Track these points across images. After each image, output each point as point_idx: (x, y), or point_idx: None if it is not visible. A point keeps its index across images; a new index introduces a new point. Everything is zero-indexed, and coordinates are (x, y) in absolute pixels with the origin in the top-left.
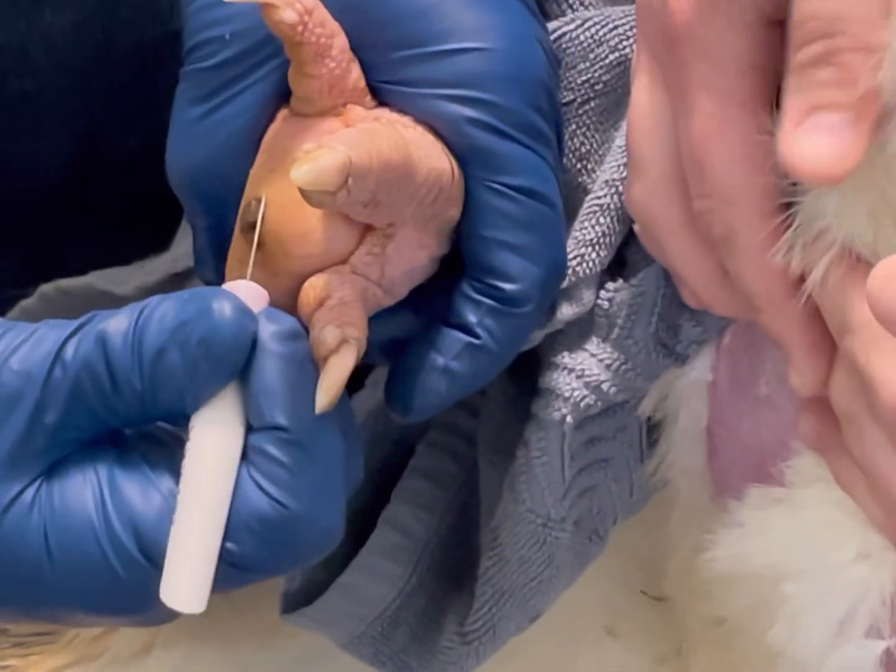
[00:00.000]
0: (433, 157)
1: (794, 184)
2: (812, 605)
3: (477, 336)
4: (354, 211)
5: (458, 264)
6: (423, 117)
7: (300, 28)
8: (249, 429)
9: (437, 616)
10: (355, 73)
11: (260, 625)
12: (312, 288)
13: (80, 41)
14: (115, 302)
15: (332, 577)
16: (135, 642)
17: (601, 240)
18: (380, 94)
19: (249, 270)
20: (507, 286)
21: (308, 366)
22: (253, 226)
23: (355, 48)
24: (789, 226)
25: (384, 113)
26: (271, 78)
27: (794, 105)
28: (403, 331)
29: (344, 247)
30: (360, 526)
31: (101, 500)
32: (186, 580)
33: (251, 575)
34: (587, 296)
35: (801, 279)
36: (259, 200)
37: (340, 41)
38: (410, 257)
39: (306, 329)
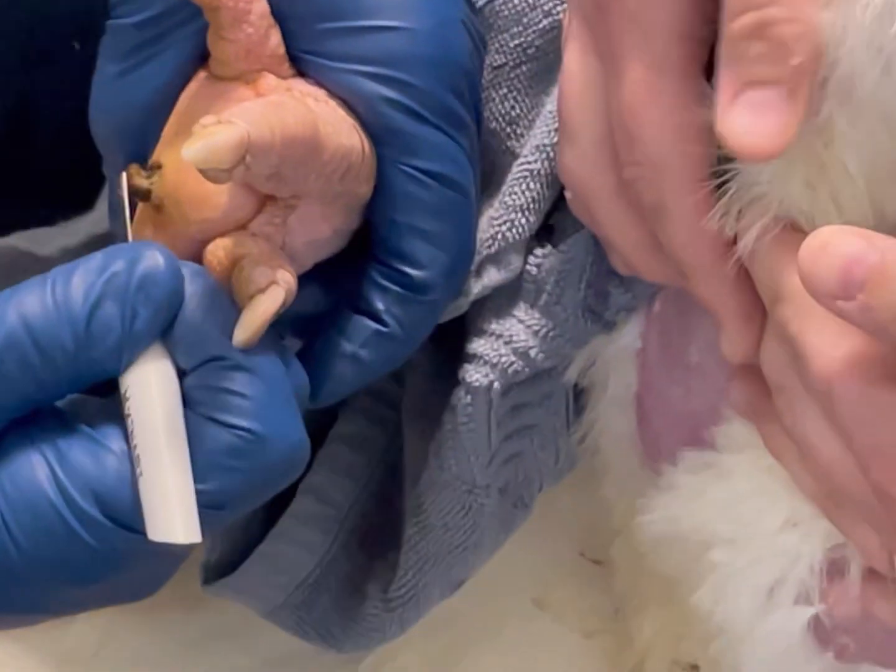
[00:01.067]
0: (342, 134)
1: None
2: (741, 572)
3: (385, 324)
4: (257, 182)
5: (368, 247)
6: (339, 92)
7: None
8: (183, 375)
9: (360, 583)
10: (274, 40)
11: (185, 593)
12: (220, 248)
13: (12, 3)
14: (37, 263)
15: (252, 546)
16: None
17: (531, 205)
18: (299, 63)
19: (130, 235)
20: (415, 272)
21: (225, 300)
22: (137, 192)
23: (278, 15)
24: (723, 193)
25: (298, 84)
26: (193, 39)
27: (728, 79)
28: (311, 307)
29: (243, 213)
30: (282, 494)
31: (53, 474)
32: (177, 513)
33: (228, 511)
34: (515, 261)
35: (733, 246)
36: (140, 167)
37: (260, 6)
38: (313, 229)
39: None
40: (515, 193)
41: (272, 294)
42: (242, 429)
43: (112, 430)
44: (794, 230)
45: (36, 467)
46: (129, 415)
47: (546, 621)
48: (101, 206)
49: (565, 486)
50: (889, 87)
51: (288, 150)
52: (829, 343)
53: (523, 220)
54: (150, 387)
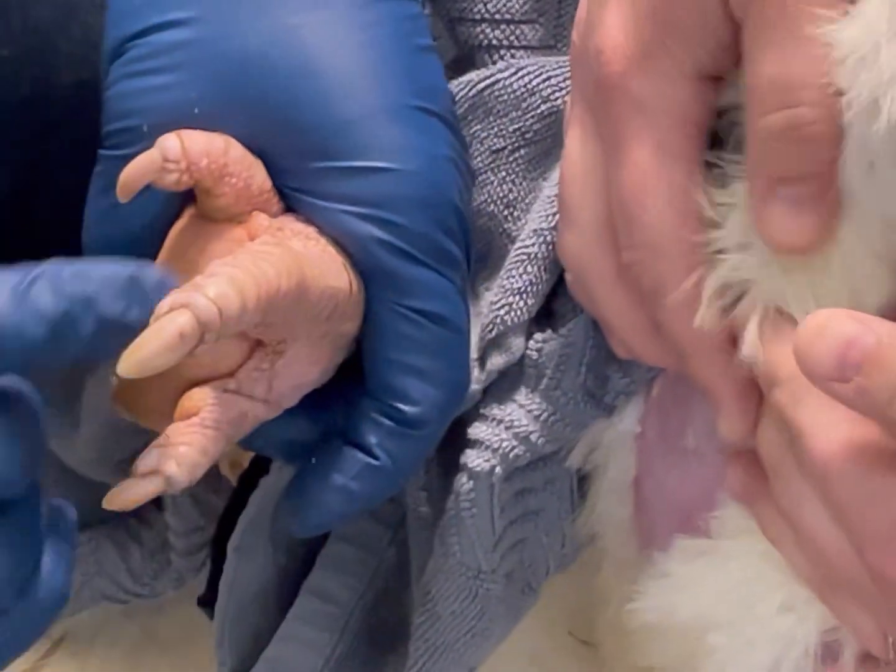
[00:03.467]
0: (330, 275)
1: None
2: (738, 656)
3: (376, 457)
4: (245, 329)
5: (358, 372)
6: (330, 231)
7: (185, 178)
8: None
9: None
10: (259, 177)
11: (185, 665)
12: (188, 398)
13: (19, 76)
14: None
15: (261, 651)
16: None
17: (528, 288)
18: (289, 200)
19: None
20: (408, 409)
21: None
22: None
23: (268, 149)
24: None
25: (289, 222)
26: None
27: (760, 175)
28: (301, 435)
29: (232, 361)
30: (289, 598)
31: None
32: None
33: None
34: (516, 344)
35: (730, 330)
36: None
37: (234, 152)
38: (300, 372)
39: None
40: (513, 277)
41: (146, 482)
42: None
43: None
44: (785, 316)
45: None
46: None
47: None
48: None
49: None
50: (872, 188)
51: (270, 303)
52: (825, 427)
53: (521, 304)
54: None
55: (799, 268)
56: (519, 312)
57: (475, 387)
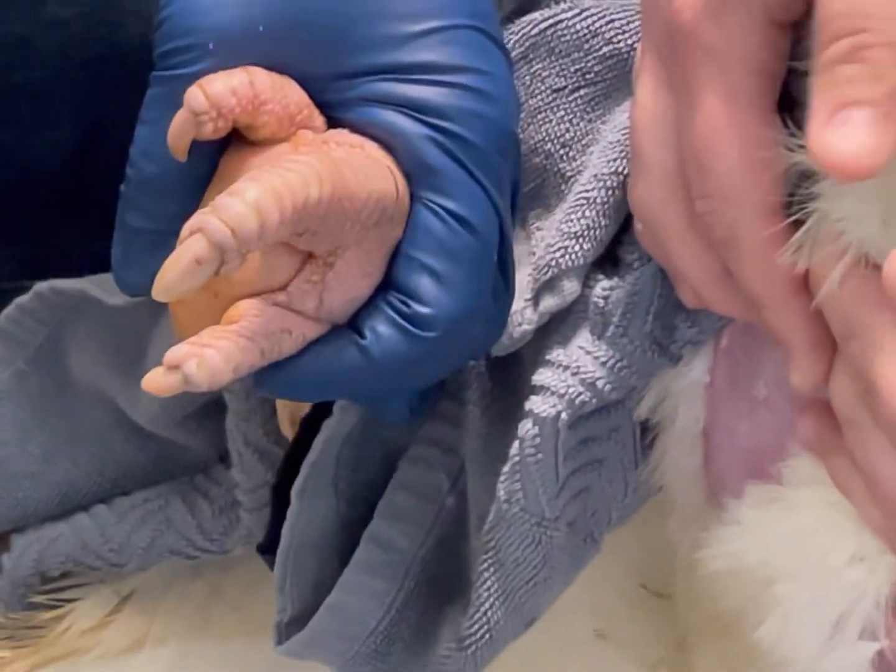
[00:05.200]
0: (376, 178)
1: (804, 185)
2: (805, 608)
3: (363, 336)
4: (291, 240)
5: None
6: (381, 133)
7: (221, 123)
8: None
9: (432, 629)
10: (294, 96)
11: (252, 620)
12: (234, 307)
13: (87, 34)
14: (102, 311)
15: (321, 599)
16: (127, 637)
17: (586, 233)
18: (338, 111)
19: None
20: (417, 307)
21: None
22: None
23: (326, 65)
24: (796, 226)
25: (333, 135)
26: None
27: (823, 102)
28: None
29: (282, 274)
30: (350, 546)
31: None
32: None
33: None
34: (569, 287)
35: (805, 278)
36: None
37: (260, 81)
38: (352, 286)
39: None
40: (571, 221)
41: (167, 375)
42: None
43: None
44: (867, 267)
45: None
46: None
47: (609, 652)
48: None
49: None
50: None
51: (300, 213)
52: None
53: (577, 248)
54: None
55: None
56: (574, 256)
57: (527, 327)
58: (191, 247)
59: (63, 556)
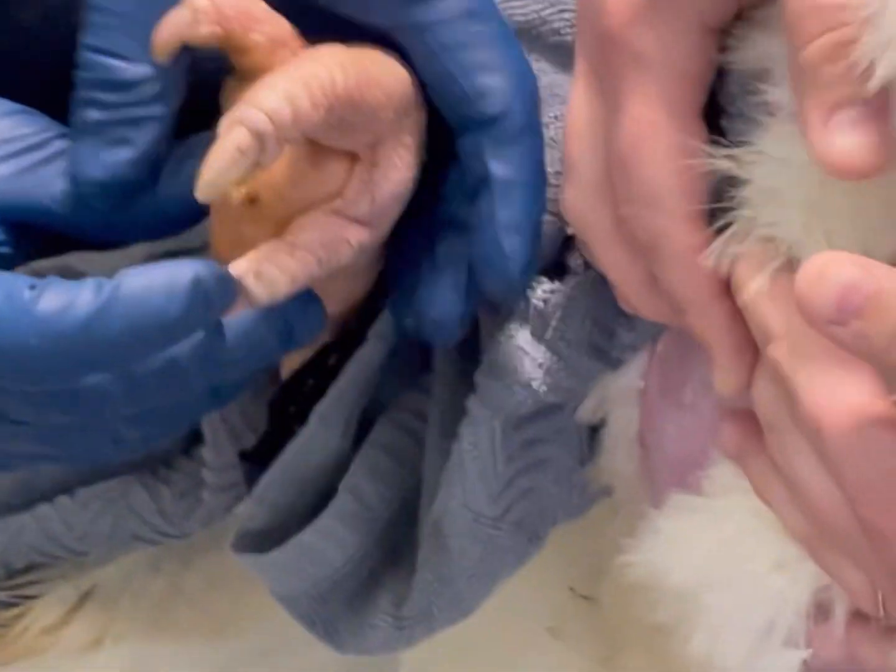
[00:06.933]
0: (392, 66)
1: (728, 192)
2: (732, 617)
3: (493, 171)
4: (330, 139)
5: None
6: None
7: (217, 29)
8: None
9: (374, 591)
10: (288, 26)
11: (212, 618)
12: (290, 224)
13: None
14: None
15: (289, 530)
16: (86, 636)
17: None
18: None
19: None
20: (485, 103)
21: None
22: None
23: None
24: (720, 233)
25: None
26: None
27: (815, 106)
28: None
29: (336, 180)
30: (334, 485)
31: None
32: None
33: None
34: None
35: (728, 283)
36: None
37: (256, 3)
38: (397, 179)
39: None
40: None
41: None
42: None
43: None
44: (786, 270)
45: None
46: None
47: (562, 649)
48: None
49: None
50: None
51: (329, 99)
52: (820, 381)
53: None
54: None
55: (816, 221)
56: None
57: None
58: (233, 137)
59: (27, 547)
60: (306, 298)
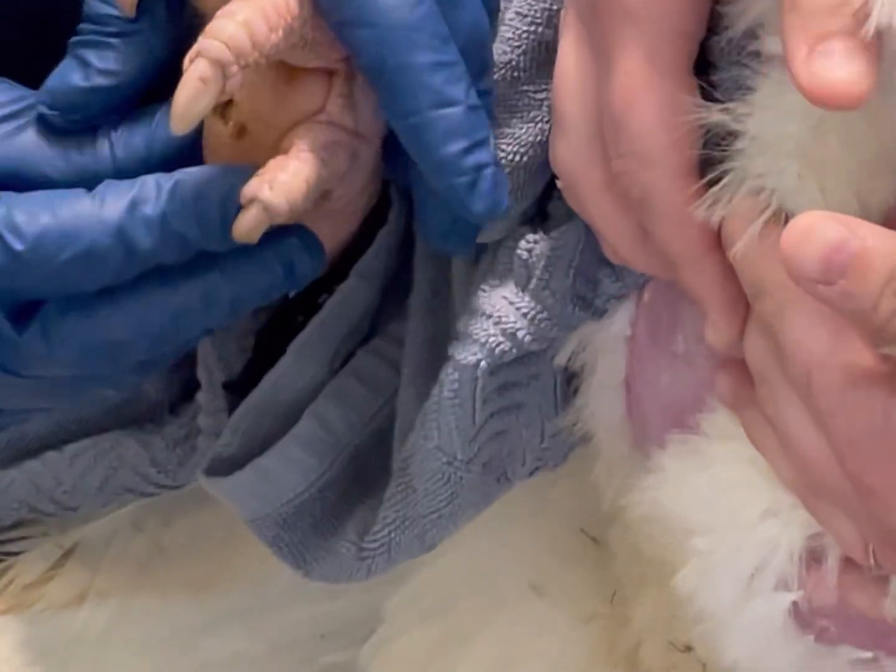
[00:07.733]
0: None
1: (721, 146)
2: (721, 561)
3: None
4: (300, 58)
5: None
6: None
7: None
8: None
9: (341, 518)
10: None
11: (193, 575)
12: (284, 141)
13: None
14: None
15: (252, 456)
16: (69, 591)
17: (516, 193)
18: None
19: None
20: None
21: None
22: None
23: None
24: (711, 184)
25: None
26: None
27: (798, 39)
28: None
29: (317, 97)
30: (296, 416)
31: None
32: None
33: None
34: None
35: (719, 237)
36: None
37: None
38: (374, 94)
39: None
40: None
41: (247, 211)
42: None
43: None
44: (777, 224)
45: None
46: None
47: (544, 606)
48: None
49: (563, 469)
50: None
51: (287, 19)
52: (808, 336)
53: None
54: None
55: (809, 172)
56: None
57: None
58: (194, 69)
59: (17, 503)
60: (306, 237)
